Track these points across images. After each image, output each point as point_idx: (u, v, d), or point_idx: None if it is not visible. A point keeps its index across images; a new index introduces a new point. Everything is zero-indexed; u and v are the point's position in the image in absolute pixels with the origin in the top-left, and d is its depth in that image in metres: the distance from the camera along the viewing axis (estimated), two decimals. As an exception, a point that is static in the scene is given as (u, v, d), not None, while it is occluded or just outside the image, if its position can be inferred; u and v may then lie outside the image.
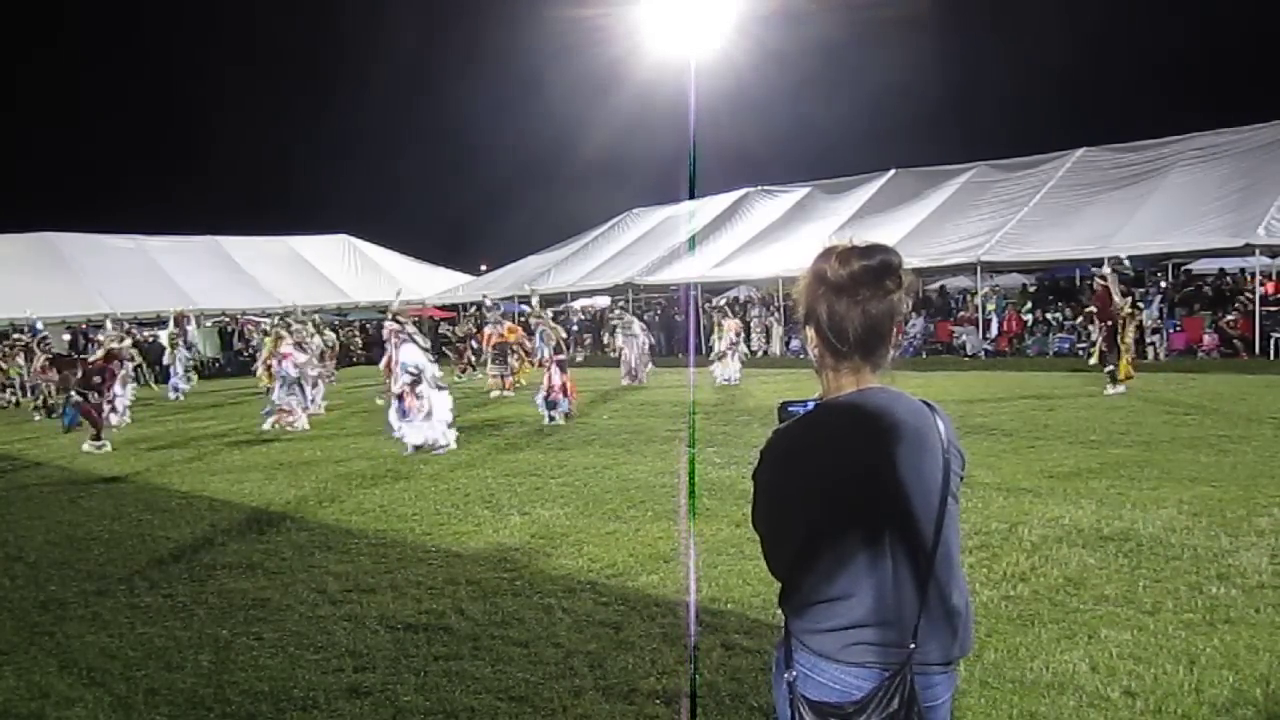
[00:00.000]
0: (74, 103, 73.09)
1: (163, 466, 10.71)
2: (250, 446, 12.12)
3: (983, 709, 3.45)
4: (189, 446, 12.41)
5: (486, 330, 18.85)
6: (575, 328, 28.96)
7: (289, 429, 13.41)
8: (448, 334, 28.77)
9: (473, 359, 21.90)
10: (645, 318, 26.06)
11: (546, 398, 12.62)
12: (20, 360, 21.04)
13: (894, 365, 1.81)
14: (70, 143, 75.79)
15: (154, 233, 34.57)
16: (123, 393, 14.35)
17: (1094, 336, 14.01)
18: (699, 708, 3.63)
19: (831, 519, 1.72)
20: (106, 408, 12.77)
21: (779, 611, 1.84)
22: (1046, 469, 7.76)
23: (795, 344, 24.87)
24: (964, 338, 22.91)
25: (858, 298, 1.73)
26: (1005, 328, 22.94)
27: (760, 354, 25.33)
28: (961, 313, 25.26)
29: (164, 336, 23.73)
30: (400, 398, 10.57)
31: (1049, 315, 22.61)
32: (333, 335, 23.33)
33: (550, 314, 15.19)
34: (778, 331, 26.40)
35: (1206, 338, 19.18)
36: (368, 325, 33.05)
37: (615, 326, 20.55)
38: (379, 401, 11.47)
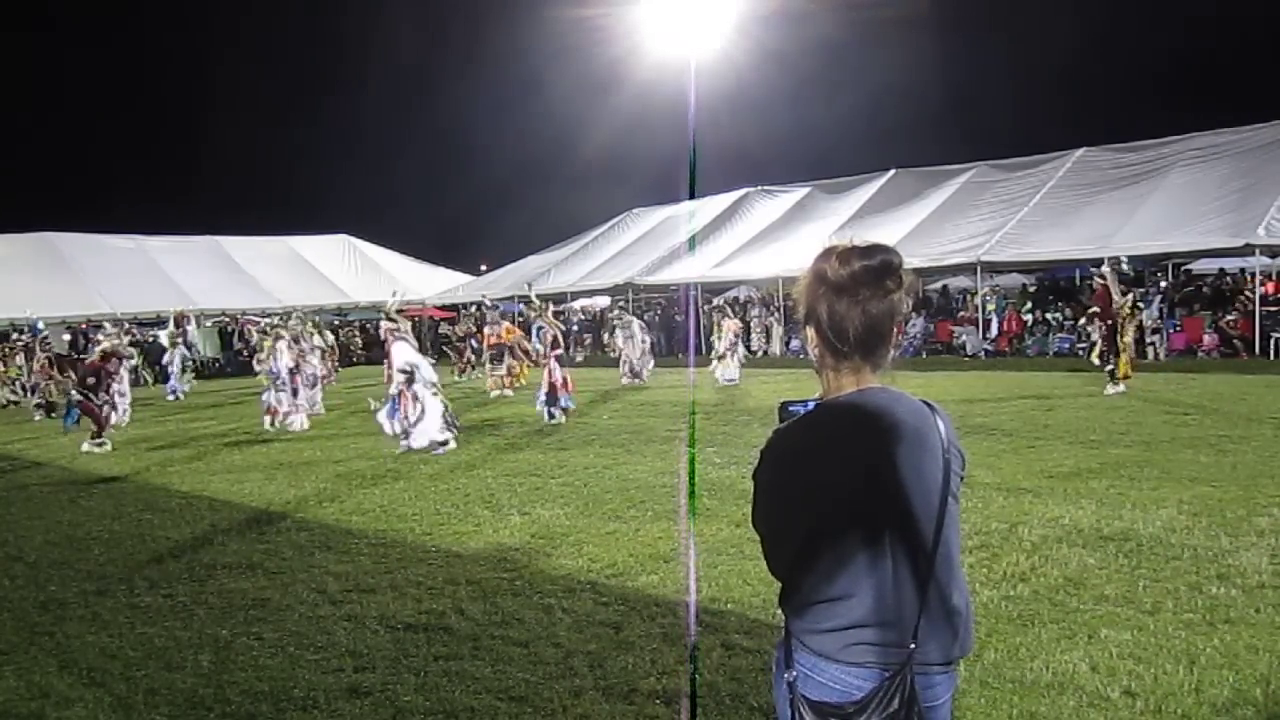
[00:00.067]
0: (74, 103, 73.11)
1: (163, 466, 10.71)
2: (250, 446, 12.12)
3: (983, 709, 3.45)
4: (189, 446, 12.41)
5: (486, 331, 18.87)
6: (575, 328, 28.97)
7: (289, 428, 13.42)
8: (448, 334, 28.77)
9: (473, 359, 21.91)
10: (645, 318, 26.06)
11: (548, 394, 12.62)
12: (20, 360, 21.07)
13: (894, 365, 1.81)
14: (70, 142, 75.82)
15: (154, 233, 34.60)
16: (124, 390, 14.36)
17: (1094, 337, 14.04)
18: (699, 708, 3.63)
19: (832, 519, 1.72)
20: (107, 406, 12.77)
21: (779, 611, 1.85)
22: (1046, 469, 7.76)
23: (795, 344, 24.87)
24: (964, 338, 22.91)
25: (858, 298, 1.73)
26: (1005, 328, 22.94)
27: (760, 354, 25.33)
28: (961, 313, 25.27)
29: (164, 336, 23.76)
30: (397, 398, 10.57)
31: (1049, 315, 22.61)
32: (330, 336, 23.34)
33: (551, 311, 15.20)
34: (778, 331, 26.40)
35: (1206, 338, 19.18)
36: (368, 325, 33.04)
37: (615, 326, 20.56)
38: (372, 405, 11.48)
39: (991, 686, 3.62)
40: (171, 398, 20.82)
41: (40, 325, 20.46)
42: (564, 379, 12.72)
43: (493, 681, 3.96)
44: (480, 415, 14.06)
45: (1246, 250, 18.53)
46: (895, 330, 1.77)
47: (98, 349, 13.45)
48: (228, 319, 31.83)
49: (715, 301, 24.98)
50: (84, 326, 28.23)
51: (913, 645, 1.70)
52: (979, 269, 22.48)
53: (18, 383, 21.32)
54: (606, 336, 24.86)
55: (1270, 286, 20.79)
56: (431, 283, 36.46)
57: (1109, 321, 13.26)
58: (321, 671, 4.16)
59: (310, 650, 4.43)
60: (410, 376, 10.50)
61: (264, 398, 14.05)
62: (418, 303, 32.58)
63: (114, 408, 13.42)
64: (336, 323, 32.89)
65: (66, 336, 27.02)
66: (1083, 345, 18.18)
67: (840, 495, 1.71)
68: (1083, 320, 15.77)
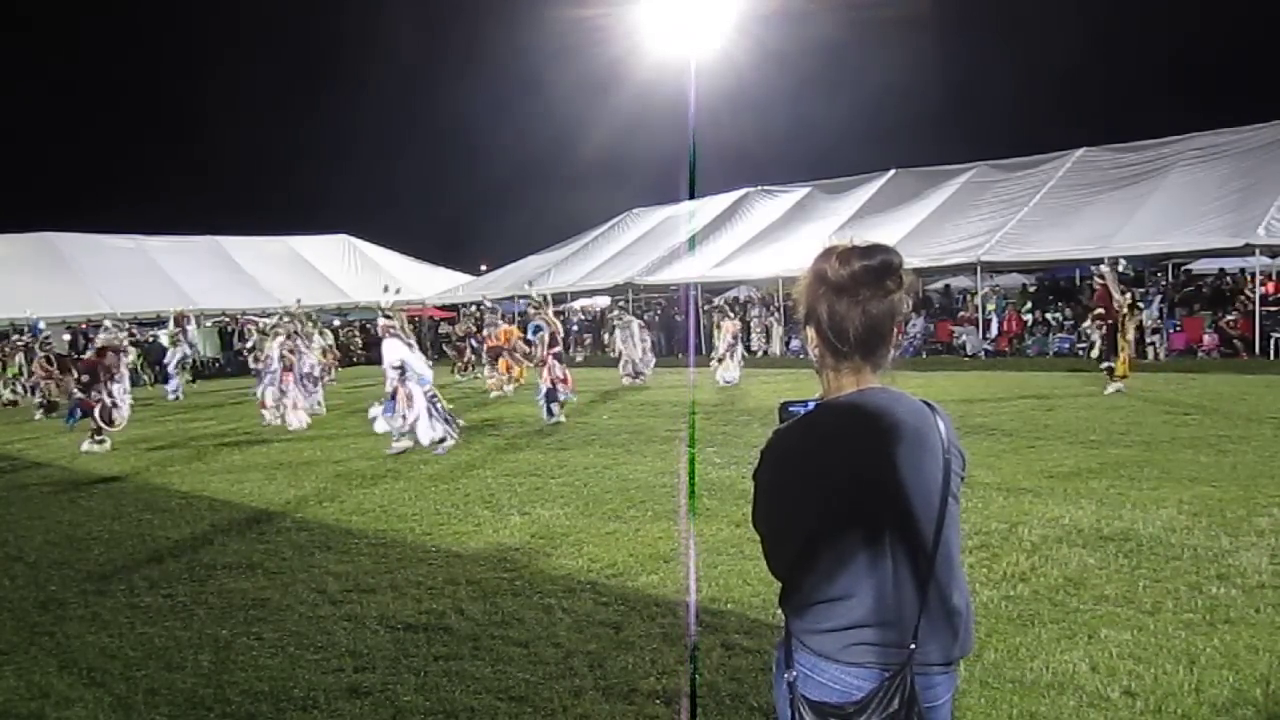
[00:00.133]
0: (74, 103, 73.10)
1: (163, 466, 10.71)
2: (250, 446, 12.12)
3: (983, 709, 3.45)
4: (189, 446, 12.42)
5: (485, 331, 18.88)
6: (575, 328, 28.95)
7: (289, 428, 13.44)
8: (448, 334, 28.77)
9: (473, 358, 21.93)
10: (645, 318, 26.06)
11: (548, 391, 12.61)
12: (20, 360, 21.07)
13: (894, 365, 1.81)
14: (70, 143, 75.82)
15: (154, 233, 34.58)
16: (126, 388, 14.35)
17: (1093, 336, 14.07)
18: (699, 708, 3.63)
19: (832, 519, 1.72)
20: (108, 400, 12.74)
21: (779, 611, 1.85)
22: (1046, 469, 7.76)
23: (795, 344, 24.87)
24: (964, 338, 22.91)
25: (858, 298, 1.73)
26: (1005, 328, 22.93)
27: (760, 354, 25.33)
28: (961, 313, 25.27)
29: (164, 336, 23.76)
30: (393, 395, 10.58)
31: (1049, 315, 22.60)
32: (330, 335, 23.36)
33: (551, 308, 15.19)
34: (778, 331, 26.40)
35: (1206, 338, 19.18)
36: (368, 325, 33.04)
37: (615, 326, 20.55)
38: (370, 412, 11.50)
39: (991, 686, 3.62)
40: (172, 398, 20.86)
41: (40, 325, 20.43)
42: (564, 375, 12.74)
43: (493, 681, 3.96)
44: (480, 415, 14.06)
45: (1246, 250, 18.52)
46: (895, 330, 1.77)
47: (95, 345, 13.47)
48: (228, 319, 31.81)
49: (715, 301, 24.99)
50: (84, 326, 28.21)
51: (913, 645, 1.70)
52: (979, 269, 22.47)
53: (18, 383, 21.32)
54: (606, 336, 24.86)
55: (1270, 286, 20.78)
56: (431, 283, 36.44)
57: (1110, 321, 13.30)
58: (321, 671, 4.16)
59: (310, 650, 4.43)
60: (403, 372, 10.52)
61: (256, 391, 14.19)
62: (418, 302, 32.57)
63: (116, 405, 13.40)
64: (336, 323, 32.88)
65: (67, 336, 27.01)
66: (1082, 345, 18.19)
67: (840, 495, 1.71)
68: (1086, 323, 15.80)
